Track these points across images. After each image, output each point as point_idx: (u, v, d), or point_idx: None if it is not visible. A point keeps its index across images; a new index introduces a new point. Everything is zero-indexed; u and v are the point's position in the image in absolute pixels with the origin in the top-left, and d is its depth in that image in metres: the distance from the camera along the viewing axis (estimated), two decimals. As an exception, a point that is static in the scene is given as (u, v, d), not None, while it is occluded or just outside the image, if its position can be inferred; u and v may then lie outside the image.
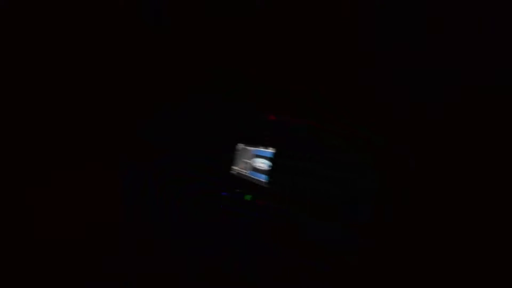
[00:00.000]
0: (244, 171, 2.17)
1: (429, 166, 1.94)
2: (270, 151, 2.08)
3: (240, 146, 2.16)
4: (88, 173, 2.01)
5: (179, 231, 1.97)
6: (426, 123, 1.95)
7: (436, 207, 1.92)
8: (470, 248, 1.85)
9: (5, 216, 1.94)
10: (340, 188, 1.97)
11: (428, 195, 1.93)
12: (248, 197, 1.96)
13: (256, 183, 2.11)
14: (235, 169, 2.18)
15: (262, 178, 2.10)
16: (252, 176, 2.16)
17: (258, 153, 2.17)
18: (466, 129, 1.93)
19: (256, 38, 2.00)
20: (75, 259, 1.93)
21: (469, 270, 1.82)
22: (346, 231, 1.94)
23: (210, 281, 1.90)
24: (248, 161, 2.17)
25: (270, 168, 2.05)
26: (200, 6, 2.00)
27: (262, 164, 2.09)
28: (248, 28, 1.99)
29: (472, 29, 1.93)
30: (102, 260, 1.93)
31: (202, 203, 1.99)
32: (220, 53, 2.03)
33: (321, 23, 1.99)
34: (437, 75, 1.97)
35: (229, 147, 2.01)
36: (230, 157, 2.14)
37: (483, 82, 1.95)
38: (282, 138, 2.06)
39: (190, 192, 1.99)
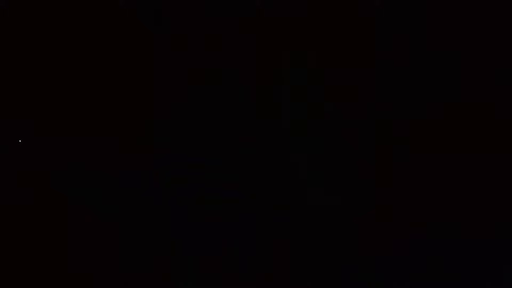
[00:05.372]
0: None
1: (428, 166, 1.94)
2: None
3: None
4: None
5: (179, 231, 1.97)
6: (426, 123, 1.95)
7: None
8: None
9: (5, 217, 1.94)
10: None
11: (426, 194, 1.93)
12: None
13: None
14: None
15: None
16: None
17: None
18: (465, 129, 1.93)
19: (255, 38, 2.00)
20: (74, 259, 1.93)
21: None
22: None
23: (209, 281, 1.90)
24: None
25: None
26: (200, 6, 2.00)
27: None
28: (247, 28, 1.99)
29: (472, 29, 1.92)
30: (102, 260, 1.93)
31: (202, 203, 1.98)
32: (220, 53, 2.03)
33: (321, 24, 1.99)
34: (437, 75, 1.96)
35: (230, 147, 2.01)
36: None
37: (483, 82, 1.94)
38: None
39: (190, 192, 1.99)
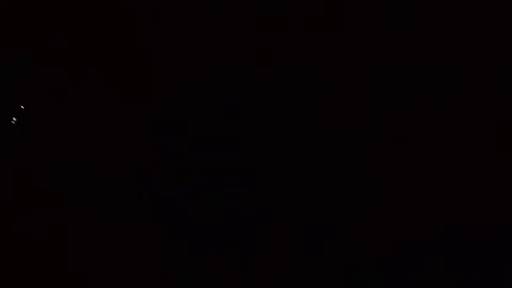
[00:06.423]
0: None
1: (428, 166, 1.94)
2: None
3: None
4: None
5: (179, 231, 1.97)
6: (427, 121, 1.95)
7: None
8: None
9: (5, 217, 1.95)
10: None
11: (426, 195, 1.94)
12: None
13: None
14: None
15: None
16: None
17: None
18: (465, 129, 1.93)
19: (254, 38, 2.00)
20: (74, 258, 1.93)
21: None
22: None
23: (209, 281, 1.91)
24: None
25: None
26: (200, 6, 2.00)
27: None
28: (246, 28, 1.99)
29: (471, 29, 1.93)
30: (102, 259, 1.93)
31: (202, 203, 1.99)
32: (219, 53, 2.03)
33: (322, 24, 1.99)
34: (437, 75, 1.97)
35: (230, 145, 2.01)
36: None
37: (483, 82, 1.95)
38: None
39: (190, 192, 1.99)
